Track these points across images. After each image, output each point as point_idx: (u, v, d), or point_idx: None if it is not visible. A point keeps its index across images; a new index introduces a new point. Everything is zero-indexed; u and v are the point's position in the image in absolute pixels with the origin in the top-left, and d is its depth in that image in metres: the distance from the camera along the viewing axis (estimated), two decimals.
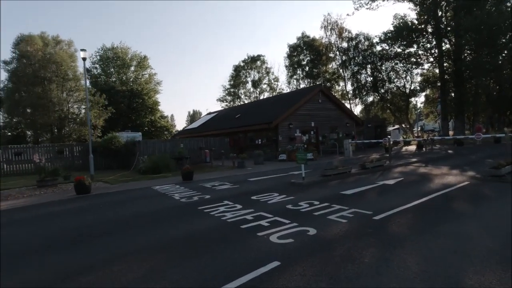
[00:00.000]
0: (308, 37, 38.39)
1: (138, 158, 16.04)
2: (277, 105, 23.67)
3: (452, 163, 13.04)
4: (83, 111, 37.67)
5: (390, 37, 28.16)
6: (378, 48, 31.34)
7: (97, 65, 48.76)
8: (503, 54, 28.41)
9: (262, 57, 46.38)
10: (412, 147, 24.37)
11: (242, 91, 48.43)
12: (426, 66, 31.88)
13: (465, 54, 26.71)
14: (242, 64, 46.87)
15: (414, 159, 14.50)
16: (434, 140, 19.75)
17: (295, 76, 40.12)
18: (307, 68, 38.23)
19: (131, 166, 16.96)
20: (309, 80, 37.83)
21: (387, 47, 29.87)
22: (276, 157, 18.97)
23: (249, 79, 47.39)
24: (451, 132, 28.94)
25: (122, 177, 13.89)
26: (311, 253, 3.83)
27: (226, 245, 4.31)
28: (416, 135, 31.82)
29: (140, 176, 13.83)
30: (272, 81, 46.90)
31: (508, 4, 26.76)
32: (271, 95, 44.43)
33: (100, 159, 19.18)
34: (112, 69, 49.55)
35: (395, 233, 4.44)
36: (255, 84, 46.37)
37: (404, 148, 25.21)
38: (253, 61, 46.02)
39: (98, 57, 48.33)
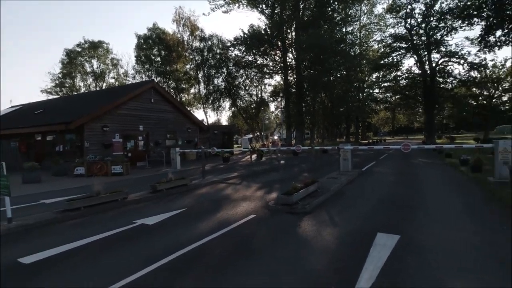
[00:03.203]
0: (160, 29, 34.13)
1: None
2: (95, 101, 18.35)
3: (270, 178, 11.60)
4: None
5: (241, 42, 27.46)
6: (233, 54, 30.51)
7: None
8: (337, 75, 32.46)
9: (105, 45, 38.59)
10: (255, 156, 23.77)
11: (81, 83, 39.03)
12: (277, 77, 33.25)
13: (304, 70, 28.71)
14: (78, 49, 37.52)
15: (235, 174, 12.57)
16: (262, 150, 19.27)
17: (147, 73, 34.80)
18: (157, 64, 33.73)
19: None
20: (160, 78, 33.53)
21: (239, 54, 29.30)
22: (73, 171, 13.81)
23: (89, 69, 38.53)
24: (293, 142, 30.67)
25: None
26: None
27: None
28: (267, 143, 32.34)
29: None
30: (122, 76, 39.80)
31: (343, 30, 30.62)
32: None
33: None
34: None
35: None
36: (97, 76, 38.03)
37: (248, 157, 24.35)
38: (94, 48, 37.63)
39: None
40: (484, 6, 19.66)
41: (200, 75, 33.00)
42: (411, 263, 3.77)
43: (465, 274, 3.47)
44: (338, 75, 33.16)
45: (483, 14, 20.10)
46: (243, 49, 28.86)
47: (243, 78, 31.84)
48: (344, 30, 33.90)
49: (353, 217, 5.97)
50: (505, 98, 36.59)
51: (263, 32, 26.79)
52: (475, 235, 4.73)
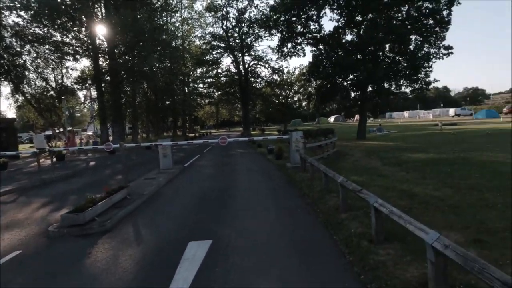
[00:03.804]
0: None
1: None
2: None
3: (66, 188, 8.92)
4: None
5: (22, 7, 20.40)
6: (10, 20, 22.25)
7: None
8: (160, 66, 30.49)
9: None
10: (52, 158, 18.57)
11: None
12: (86, 61, 27.45)
13: (120, 56, 25.14)
14: None
15: (9, 188, 8.86)
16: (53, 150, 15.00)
17: None
18: None
19: None
20: None
21: (22, 22, 21.73)
22: None
23: None
24: (111, 138, 26.57)
25: None
26: None
27: None
28: (72, 141, 25.69)
29: None
30: None
31: (164, 19, 28.64)
32: None
33: None
34: None
35: None
36: None
37: (43, 161, 18.70)
38: None
39: None
40: (279, 22, 23.73)
41: None
42: (219, 275, 3.28)
43: (270, 271, 3.31)
44: (161, 66, 31.56)
45: (279, 28, 24.28)
46: (29, 17, 21.74)
47: (32, 56, 24.11)
48: (165, 19, 32.55)
49: (165, 227, 5.10)
50: (295, 98, 47.10)
51: (59, 0, 21.00)
52: (279, 223, 4.94)
